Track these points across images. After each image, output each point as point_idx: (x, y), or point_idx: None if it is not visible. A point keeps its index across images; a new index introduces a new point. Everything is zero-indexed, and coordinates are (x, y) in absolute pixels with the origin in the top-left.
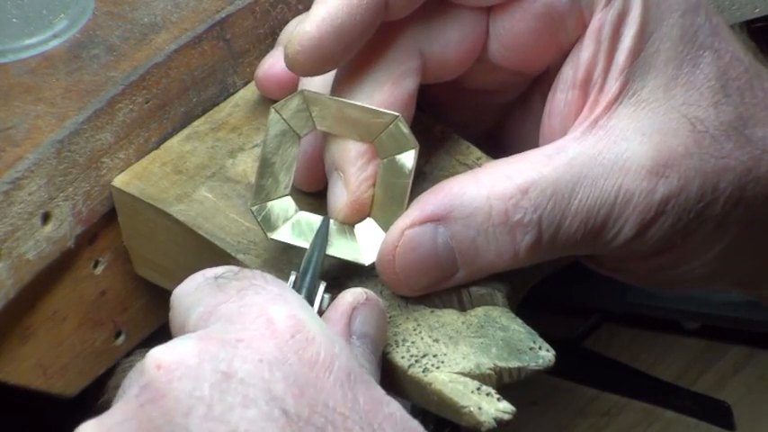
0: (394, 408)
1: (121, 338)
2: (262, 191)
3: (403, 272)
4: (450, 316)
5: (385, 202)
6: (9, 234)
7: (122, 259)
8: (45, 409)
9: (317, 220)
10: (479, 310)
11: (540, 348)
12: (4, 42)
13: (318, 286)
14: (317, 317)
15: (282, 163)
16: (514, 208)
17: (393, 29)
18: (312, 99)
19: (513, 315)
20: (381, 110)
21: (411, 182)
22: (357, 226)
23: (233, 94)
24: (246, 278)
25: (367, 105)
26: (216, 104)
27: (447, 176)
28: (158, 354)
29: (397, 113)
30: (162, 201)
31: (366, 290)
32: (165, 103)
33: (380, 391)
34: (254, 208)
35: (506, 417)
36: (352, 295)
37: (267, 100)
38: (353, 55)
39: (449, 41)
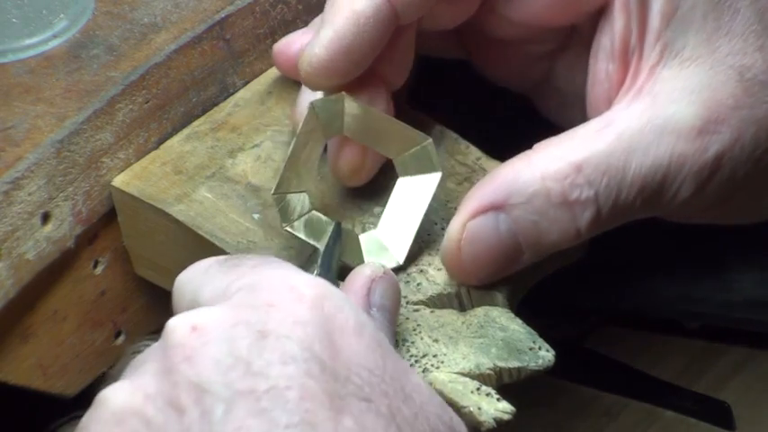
0: (419, 379)
1: (121, 338)
2: (284, 182)
3: (470, 263)
4: (450, 316)
5: (397, 222)
6: (9, 234)
7: (122, 259)
8: (44, 409)
9: (327, 221)
10: (479, 310)
11: (539, 348)
12: (4, 42)
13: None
14: (338, 288)
15: (306, 160)
16: (570, 187)
17: None
18: (351, 105)
19: (513, 315)
20: (413, 130)
21: (427, 206)
22: (364, 235)
23: (233, 94)
24: (259, 257)
25: (403, 124)
26: (216, 104)
27: (446, 176)
28: (191, 317)
29: (429, 138)
30: (162, 201)
31: (383, 263)
32: (165, 103)
33: (405, 363)
34: (274, 196)
35: (506, 417)
36: (371, 268)
37: (267, 100)
38: (367, 67)
39: None
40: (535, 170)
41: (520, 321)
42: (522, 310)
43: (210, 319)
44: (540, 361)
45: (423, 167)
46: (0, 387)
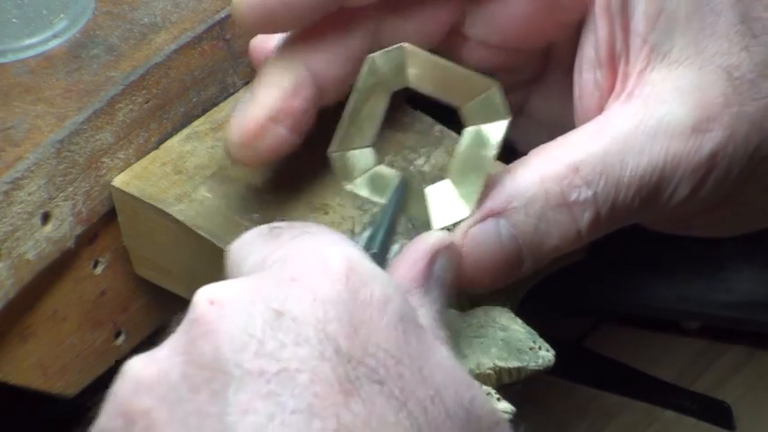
0: (444, 355)
1: (121, 338)
2: (345, 138)
3: (472, 270)
4: (450, 316)
5: (465, 171)
6: (9, 234)
7: (122, 259)
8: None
9: (394, 176)
10: (479, 310)
11: (539, 348)
12: (4, 42)
13: (392, 244)
14: (371, 260)
15: (369, 115)
16: (569, 188)
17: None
18: (411, 54)
19: (513, 315)
20: (479, 75)
21: (496, 154)
22: (431, 187)
23: (233, 94)
24: (299, 227)
25: (466, 69)
26: (216, 104)
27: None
28: (211, 290)
29: (496, 81)
30: (162, 201)
31: (448, 234)
32: (165, 103)
33: (431, 338)
34: (334, 154)
35: (506, 417)
36: (437, 237)
37: None
38: (304, 25)
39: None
40: (534, 173)
41: (520, 321)
42: (522, 310)
43: (230, 293)
44: (540, 361)
45: (489, 115)
46: (0, 387)
